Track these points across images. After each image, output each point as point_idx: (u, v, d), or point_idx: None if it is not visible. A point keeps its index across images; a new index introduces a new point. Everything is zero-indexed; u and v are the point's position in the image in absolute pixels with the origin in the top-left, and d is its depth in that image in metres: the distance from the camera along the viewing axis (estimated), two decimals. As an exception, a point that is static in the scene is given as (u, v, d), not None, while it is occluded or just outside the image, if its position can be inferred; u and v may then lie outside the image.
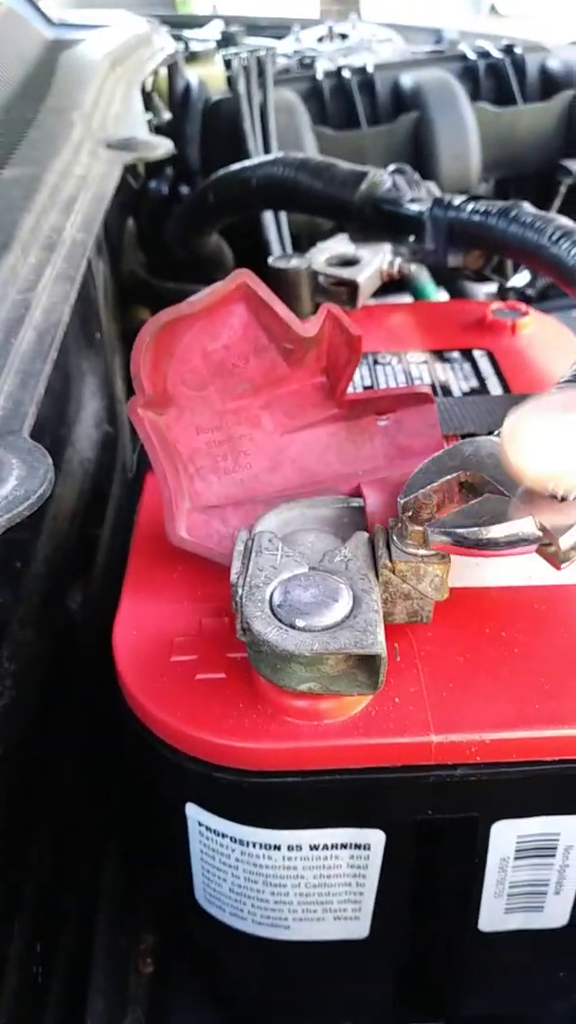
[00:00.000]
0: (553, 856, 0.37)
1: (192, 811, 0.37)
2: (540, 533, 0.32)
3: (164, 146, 0.65)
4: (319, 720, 0.33)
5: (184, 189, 1.01)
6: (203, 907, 0.41)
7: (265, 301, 0.37)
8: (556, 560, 0.32)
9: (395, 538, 0.34)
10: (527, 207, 0.58)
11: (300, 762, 0.33)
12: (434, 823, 0.36)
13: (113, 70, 0.84)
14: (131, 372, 0.37)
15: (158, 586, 0.40)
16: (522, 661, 0.35)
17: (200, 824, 0.37)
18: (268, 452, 0.41)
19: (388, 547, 0.34)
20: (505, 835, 0.36)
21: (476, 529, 0.32)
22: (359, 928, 0.39)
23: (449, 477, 0.34)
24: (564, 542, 0.32)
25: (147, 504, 0.45)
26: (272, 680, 0.32)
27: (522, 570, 0.39)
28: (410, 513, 0.34)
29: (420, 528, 0.34)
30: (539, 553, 0.33)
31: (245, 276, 0.37)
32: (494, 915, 0.39)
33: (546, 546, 0.33)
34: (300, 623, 0.32)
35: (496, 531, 0.32)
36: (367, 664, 0.32)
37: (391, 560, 0.34)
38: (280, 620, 0.32)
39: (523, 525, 0.32)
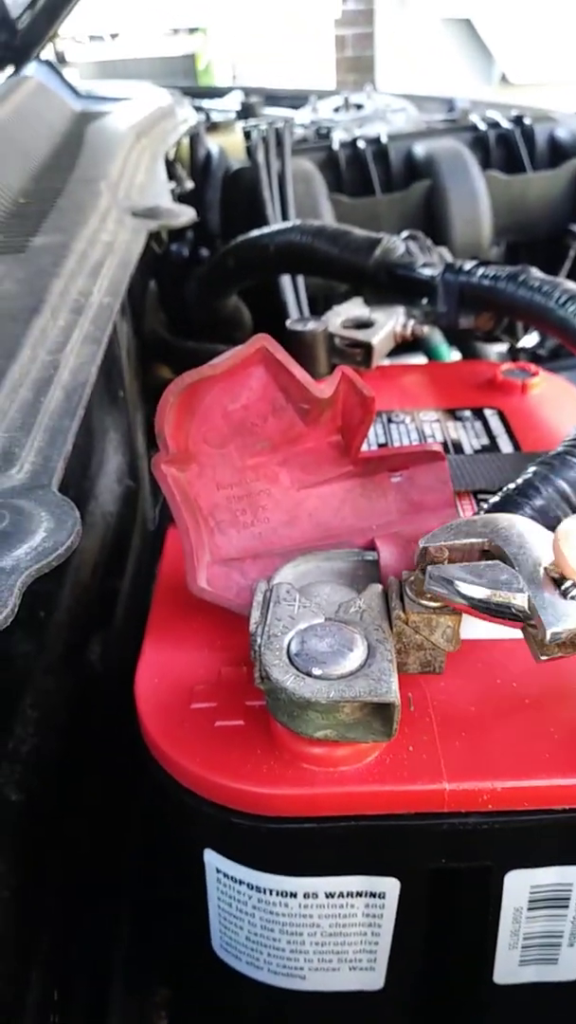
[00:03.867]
0: (566, 907, 0.38)
1: (210, 857, 0.38)
2: (528, 611, 0.32)
3: (187, 215, 0.69)
4: (335, 767, 0.34)
5: (204, 252, 1.04)
6: (220, 956, 0.41)
7: (283, 364, 0.39)
8: (536, 648, 0.33)
9: (408, 590, 0.36)
10: (535, 272, 0.60)
11: (316, 808, 0.34)
12: (448, 872, 0.37)
13: (138, 141, 0.88)
14: (155, 430, 0.39)
15: (179, 636, 0.41)
16: (533, 711, 0.36)
17: (218, 871, 0.38)
18: (286, 507, 0.43)
19: (402, 599, 0.36)
20: (519, 885, 0.37)
21: (469, 585, 0.33)
22: (375, 979, 0.40)
23: (472, 540, 0.35)
24: (549, 632, 0.31)
25: (169, 557, 0.46)
26: (289, 727, 0.34)
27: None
28: (423, 565, 0.35)
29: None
30: (525, 635, 0.33)
31: (264, 340, 0.39)
32: (509, 967, 0.40)
33: (531, 628, 0.33)
34: (317, 671, 0.33)
35: (484, 592, 0.33)
36: (381, 712, 0.33)
37: (404, 612, 0.35)
38: (297, 668, 0.33)
39: (516, 598, 0.32)
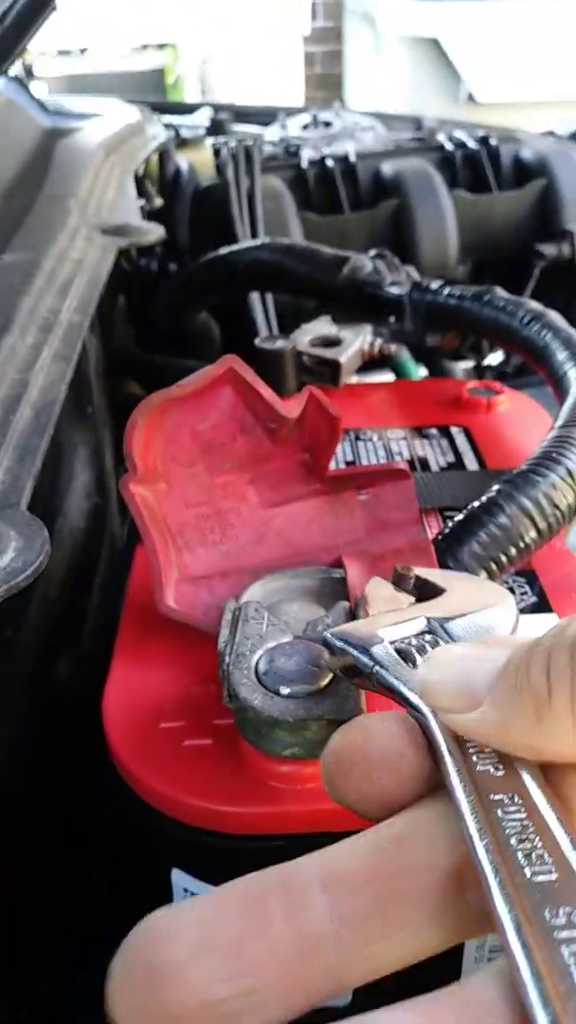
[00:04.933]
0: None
1: (178, 877, 0.38)
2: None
3: (156, 232, 0.69)
4: (303, 784, 0.34)
5: (173, 267, 1.05)
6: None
7: (251, 384, 0.40)
8: None
9: (374, 608, 0.36)
10: (499, 291, 0.61)
11: (284, 826, 0.34)
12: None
13: (108, 158, 0.88)
14: (124, 451, 0.39)
15: (147, 654, 0.41)
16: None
17: (186, 891, 0.38)
18: (254, 525, 0.43)
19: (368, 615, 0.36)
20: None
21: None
22: (342, 995, 0.40)
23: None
24: None
25: (137, 575, 0.46)
26: (257, 745, 0.34)
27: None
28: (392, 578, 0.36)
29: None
30: None
31: (232, 361, 0.40)
32: (475, 981, 0.40)
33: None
34: (284, 690, 0.33)
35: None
36: (348, 730, 0.33)
37: (371, 629, 0.35)
38: (265, 687, 0.33)
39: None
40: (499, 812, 0.20)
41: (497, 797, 0.20)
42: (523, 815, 0.20)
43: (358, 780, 0.22)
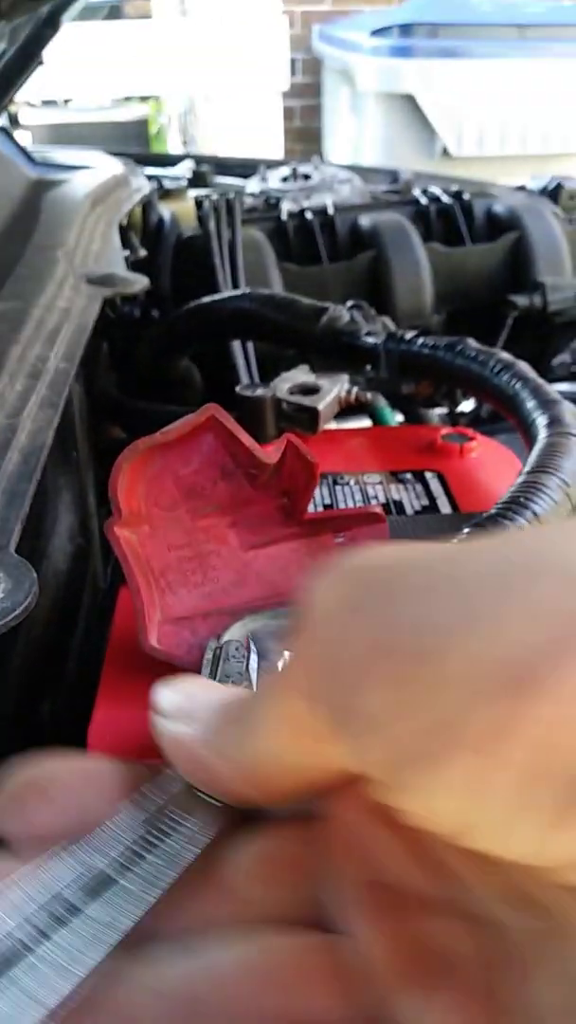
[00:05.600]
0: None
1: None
2: None
3: (140, 282, 0.71)
4: (280, 818, 0.35)
5: (155, 313, 1.07)
6: None
7: (232, 431, 0.41)
8: None
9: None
10: (471, 342, 0.64)
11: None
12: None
13: (94, 209, 0.91)
14: (109, 494, 0.41)
15: (131, 693, 0.42)
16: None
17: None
18: (234, 567, 0.44)
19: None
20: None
21: None
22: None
23: None
24: None
25: (121, 616, 0.48)
26: (237, 780, 0.35)
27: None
28: None
29: None
30: None
31: (214, 409, 0.41)
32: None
33: None
34: (263, 726, 0.34)
35: None
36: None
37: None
38: (244, 723, 0.35)
39: None
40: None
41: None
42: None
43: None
